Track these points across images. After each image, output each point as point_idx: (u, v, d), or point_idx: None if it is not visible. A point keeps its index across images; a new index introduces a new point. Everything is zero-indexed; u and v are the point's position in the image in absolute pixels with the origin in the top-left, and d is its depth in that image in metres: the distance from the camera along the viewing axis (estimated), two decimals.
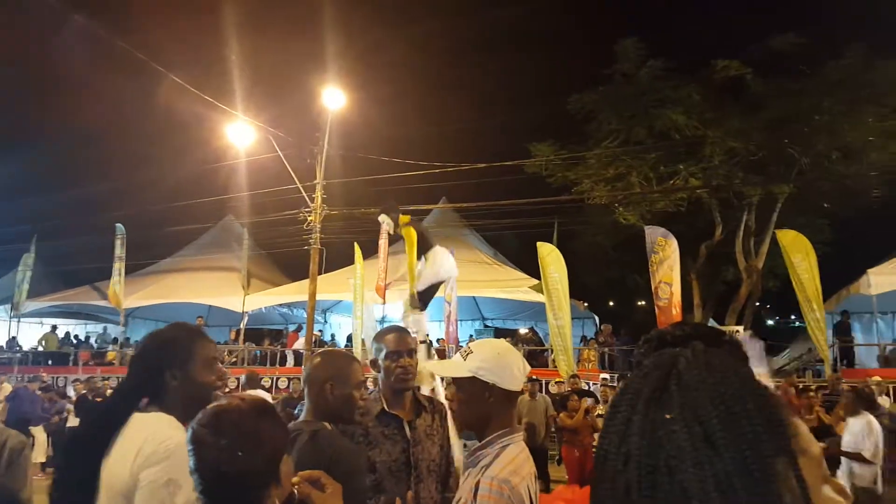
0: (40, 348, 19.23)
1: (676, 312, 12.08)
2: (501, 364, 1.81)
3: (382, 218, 6.25)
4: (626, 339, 15.62)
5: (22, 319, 20.36)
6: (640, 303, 21.95)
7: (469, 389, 1.81)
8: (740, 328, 13.04)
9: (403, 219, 6.15)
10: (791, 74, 12.97)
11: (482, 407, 1.81)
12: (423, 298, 5.91)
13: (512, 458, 1.75)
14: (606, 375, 13.36)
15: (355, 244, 14.79)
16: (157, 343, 1.86)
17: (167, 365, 1.78)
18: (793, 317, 34.32)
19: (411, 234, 5.94)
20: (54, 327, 20.30)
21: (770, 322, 39.06)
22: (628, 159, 14.02)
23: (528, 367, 1.88)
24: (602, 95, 14.24)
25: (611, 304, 24.62)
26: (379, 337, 2.65)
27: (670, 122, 13.49)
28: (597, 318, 18.37)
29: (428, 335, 6.08)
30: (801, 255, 11.55)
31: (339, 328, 21.58)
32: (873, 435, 5.53)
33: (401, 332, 2.65)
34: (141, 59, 9.47)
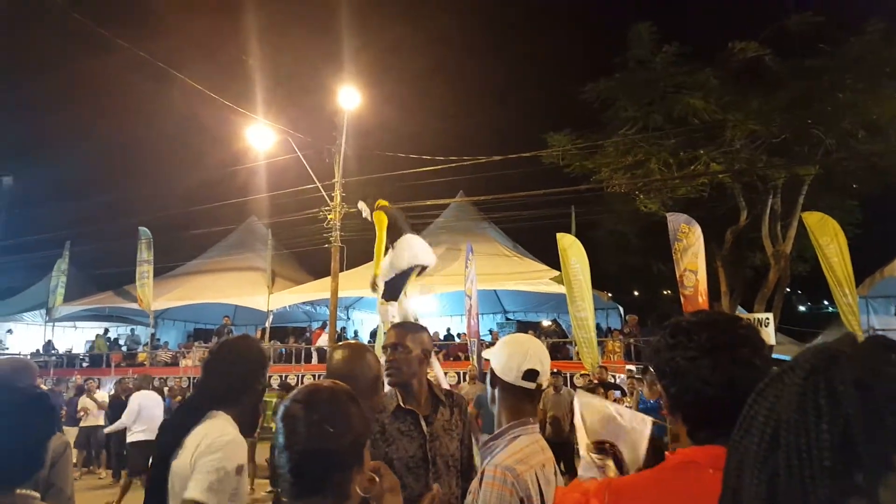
0: (95, 350, 19.76)
1: (703, 300, 11.88)
2: (503, 355, 1.88)
3: (360, 205, 6.18)
4: (652, 330, 15.42)
5: (56, 323, 20.93)
6: (665, 292, 21.67)
7: (489, 378, 1.94)
8: (770, 315, 12.76)
9: (380, 202, 6.12)
10: (810, 53, 12.66)
11: (494, 396, 1.91)
12: (389, 289, 5.77)
13: (520, 448, 1.78)
14: (633, 367, 13.23)
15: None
16: (234, 353, 2.07)
17: (243, 375, 2.01)
18: (825, 302, 33.54)
19: (381, 220, 5.87)
20: (106, 330, 20.90)
21: (801, 308, 38.30)
22: (647, 146, 13.80)
23: (534, 367, 1.86)
24: (617, 83, 14.03)
25: (635, 293, 24.35)
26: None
27: (688, 108, 13.22)
28: (621, 308, 18.21)
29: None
30: (829, 238, 11.28)
31: (361, 324, 21.76)
32: None
33: (395, 327, 2.66)
34: (162, 67, 9.60)
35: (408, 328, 2.63)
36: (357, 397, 1.39)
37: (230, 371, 2.01)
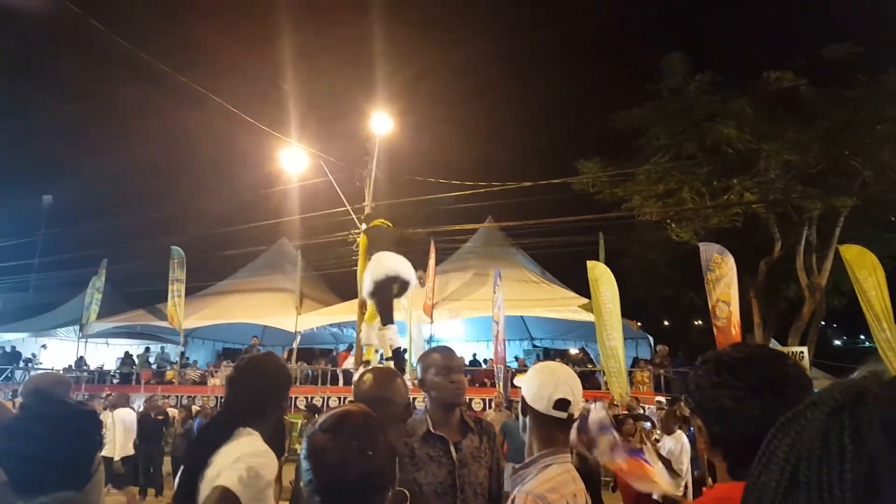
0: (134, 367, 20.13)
1: (736, 332, 11.64)
2: (534, 383, 1.86)
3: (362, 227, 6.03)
4: (682, 361, 15.12)
5: (89, 340, 21.32)
6: (696, 322, 21.27)
7: (521, 407, 1.93)
8: (804, 349, 12.44)
9: (375, 223, 5.93)
10: (847, 83, 12.51)
11: (525, 425, 1.90)
12: (384, 314, 5.53)
13: (551, 477, 1.76)
14: (662, 399, 12.97)
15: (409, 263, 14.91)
16: (259, 369, 2.07)
17: (268, 391, 2.01)
18: (861, 336, 32.54)
19: (362, 244, 5.73)
20: (147, 349, 21.24)
21: (837, 342, 37.23)
22: (679, 174, 13.72)
23: (564, 397, 1.84)
24: (649, 111, 14.03)
25: (665, 323, 23.95)
26: (426, 356, 2.62)
27: (722, 136, 13.14)
28: (651, 338, 17.90)
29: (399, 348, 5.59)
30: (867, 271, 10.99)
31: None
32: None
33: (449, 350, 2.64)
34: (200, 91, 9.86)
35: (455, 353, 2.64)
36: (382, 424, 1.38)
37: (254, 387, 2.01)
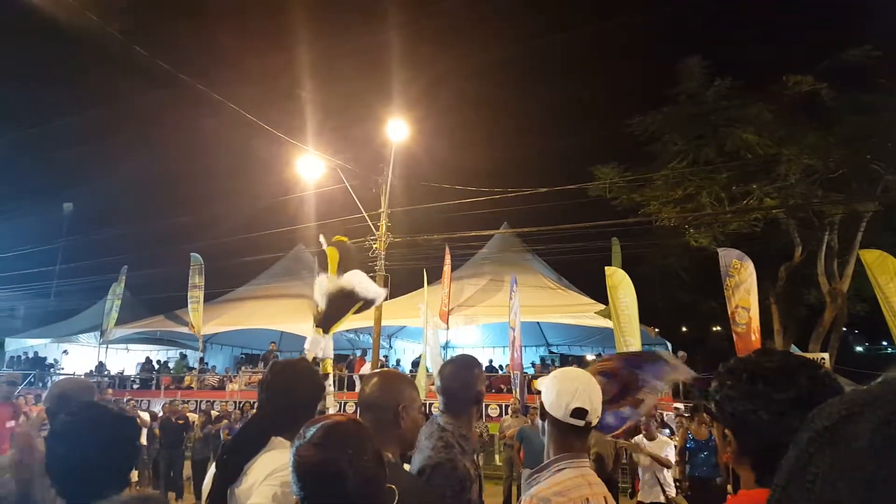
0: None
1: (756, 338, 11.50)
2: (553, 391, 1.87)
3: (321, 238, 6.29)
4: (701, 367, 14.93)
5: (109, 346, 21.62)
6: (715, 328, 21.06)
7: (540, 411, 1.93)
8: (825, 355, 12.25)
9: (337, 237, 6.15)
10: (868, 88, 12.34)
11: (544, 428, 1.91)
12: (326, 319, 5.75)
13: (560, 481, 1.76)
14: (680, 405, 12.86)
15: (424, 271, 14.98)
16: (298, 378, 2.04)
17: (304, 399, 1.98)
18: (884, 343, 32.00)
19: (333, 254, 5.89)
20: (183, 355, 21.49)
21: (859, 348, 36.61)
22: (697, 180, 13.62)
23: (582, 406, 1.83)
24: (666, 116, 13.96)
25: (683, 329, 23.72)
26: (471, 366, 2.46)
27: (741, 141, 13.03)
28: (669, 344, 17.75)
29: (323, 357, 5.86)
30: (888, 276, 10.79)
31: (403, 353, 21.77)
32: None
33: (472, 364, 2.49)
34: (218, 99, 9.98)
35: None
36: (372, 431, 1.35)
37: (290, 394, 1.98)
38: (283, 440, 1.91)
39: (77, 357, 22.59)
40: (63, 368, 21.91)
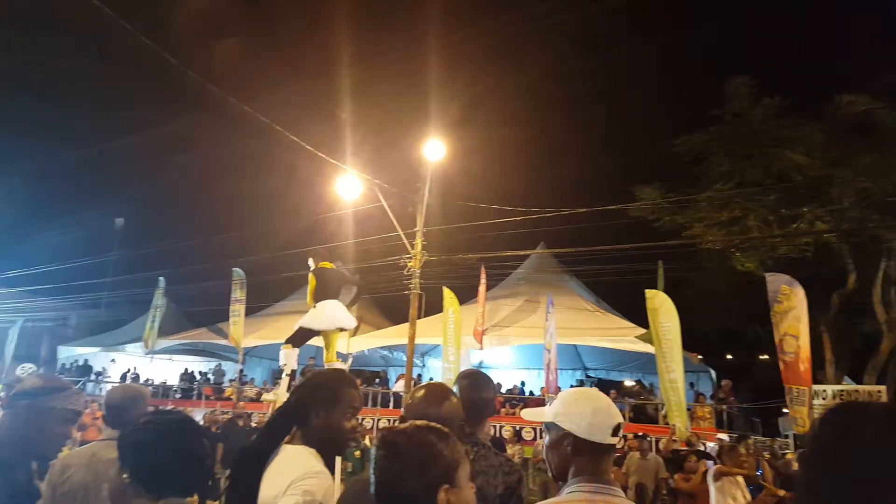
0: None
1: (805, 368, 10.95)
2: (578, 412, 1.72)
3: (310, 261, 6.88)
4: (747, 397, 14.39)
5: (154, 356, 22.20)
6: (762, 356, 20.23)
7: (552, 436, 1.78)
8: (882, 388, 11.58)
9: (323, 264, 6.76)
10: None
11: (561, 454, 1.74)
12: (298, 337, 6.52)
13: (559, 502, 1.65)
14: (724, 436, 12.36)
15: (444, 289, 14.90)
16: (312, 383, 2.07)
17: (315, 404, 1.95)
18: None
19: (312, 281, 6.58)
20: (241, 371, 21.98)
21: None
22: (744, 202, 13.20)
23: (621, 420, 1.74)
24: (712, 136, 13.61)
25: (728, 356, 22.89)
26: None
27: (790, 163, 12.60)
28: (713, 371, 17.12)
29: (294, 370, 6.68)
30: None
31: (436, 372, 21.64)
32: None
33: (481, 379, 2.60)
34: (263, 121, 10.17)
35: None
36: (443, 432, 1.37)
37: (311, 396, 1.98)
38: (305, 447, 1.90)
39: (124, 366, 23.28)
40: (111, 377, 22.60)
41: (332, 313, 6.43)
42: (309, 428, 1.93)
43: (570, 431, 1.70)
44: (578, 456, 1.70)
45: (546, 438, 1.81)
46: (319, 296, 6.51)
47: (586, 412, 1.70)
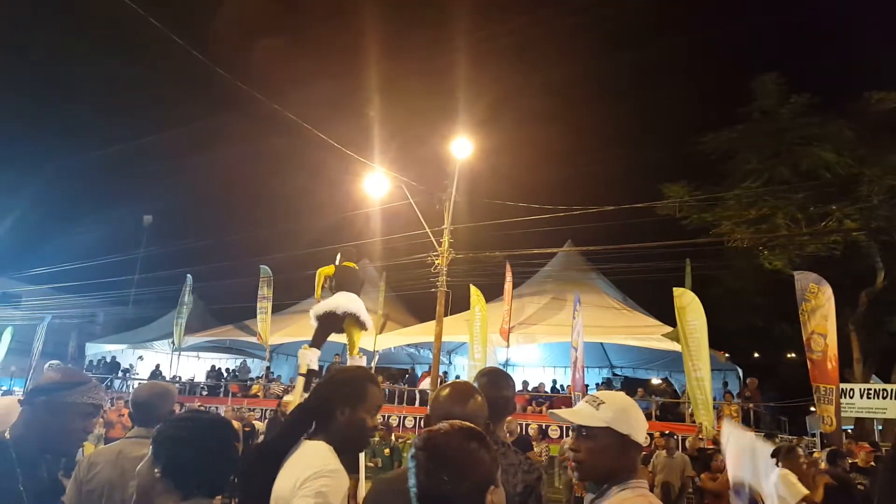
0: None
1: (832, 366, 10.94)
2: (635, 416, 1.82)
3: (338, 257, 7.06)
4: (773, 395, 14.32)
5: (182, 353, 22.54)
6: (789, 355, 20.09)
7: (603, 440, 1.78)
8: None
9: (347, 264, 6.94)
10: None
11: (613, 458, 1.78)
12: (317, 337, 6.66)
13: (622, 500, 1.72)
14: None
15: (471, 286, 15.01)
16: (336, 380, 2.06)
17: (340, 401, 1.95)
18: None
19: (319, 276, 6.85)
20: (268, 368, 22.32)
21: None
22: (772, 200, 13.17)
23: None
24: (740, 134, 13.58)
25: (755, 355, 22.71)
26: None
27: (819, 160, 12.55)
28: (739, 370, 17.06)
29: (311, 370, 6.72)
30: None
31: (462, 370, 21.76)
32: None
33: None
34: (291, 119, 10.34)
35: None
36: (481, 435, 1.37)
37: (336, 392, 1.98)
38: (322, 443, 1.91)
39: (152, 363, 23.64)
40: (138, 374, 22.98)
41: (354, 305, 6.65)
42: (332, 424, 1.93)
43: (628, 435, 1.77)
44: (629, 458, 1.79)
45: (588, 441, 1.80)
46: (340, 289, 6.72)
47: (639, 417, 1.82)
